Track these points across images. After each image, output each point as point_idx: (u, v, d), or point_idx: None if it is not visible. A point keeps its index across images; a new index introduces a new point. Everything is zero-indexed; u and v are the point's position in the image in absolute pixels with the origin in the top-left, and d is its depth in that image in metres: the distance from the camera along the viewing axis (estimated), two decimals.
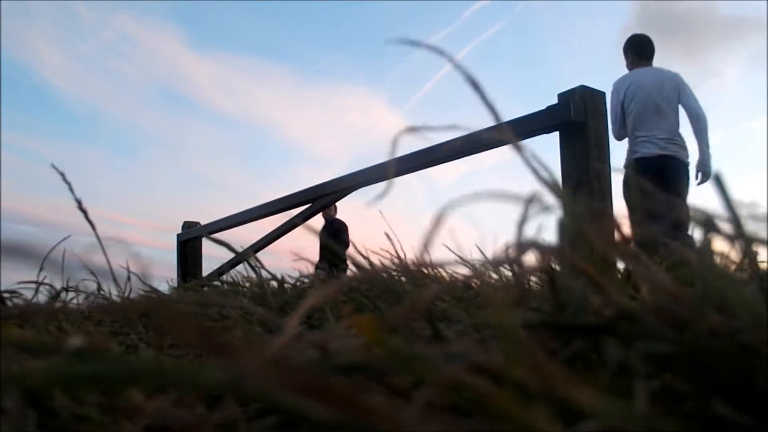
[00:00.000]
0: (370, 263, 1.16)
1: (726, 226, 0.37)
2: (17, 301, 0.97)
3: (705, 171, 3.34)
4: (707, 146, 3.31)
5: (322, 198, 2.98)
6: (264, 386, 0.20)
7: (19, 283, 1.00)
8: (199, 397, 0.37)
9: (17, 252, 0.27)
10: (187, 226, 4.05)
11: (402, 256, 1.19)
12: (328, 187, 2.90)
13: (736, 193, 0.36)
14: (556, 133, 1.99)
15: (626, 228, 0.42)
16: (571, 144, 1.93)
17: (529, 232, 0.48)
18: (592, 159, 1.86)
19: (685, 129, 3.39)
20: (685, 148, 3.36)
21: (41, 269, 0.90)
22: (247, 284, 1.36)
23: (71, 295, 1.10)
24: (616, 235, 0.41)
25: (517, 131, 2.08)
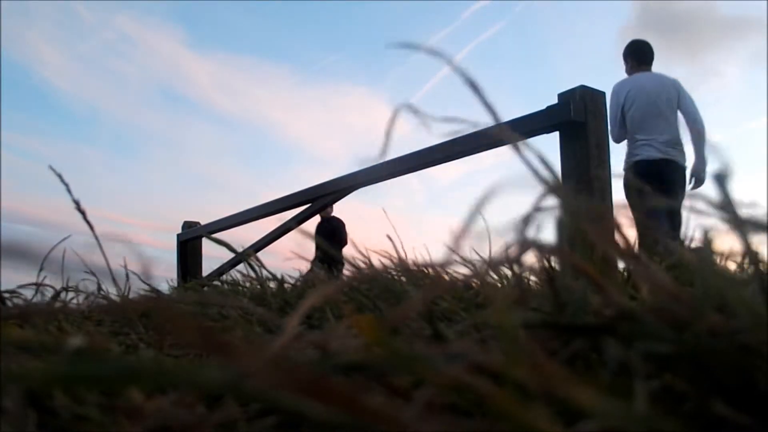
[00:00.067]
0: (370, 263, 1.16)
1: (726, 227, 0.37)
2: (17, 301, 0.97)
3: (700, 177, 3.39)
4: (704, 152, 3.35)
5: (322, 198, 2.98)
6: (264, 386, 0.20)
7: (20, 287, 1.00)
8: (199, 397, 0.37)
9: (17, 252, 0.27)
10: (187, 226, 4.05)
11: (402, 256, 1.19)
12: (328, 187, 2.90)
13: (736, 193, 0.36)
14: (556, 133, 1.99)
15: (628, 228, 0.42)
16: (571, 144, 1.93)
17: (529, 231, 0.48)
18: (592, 159, 1.86)
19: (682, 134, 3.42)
20: (683, 153, 3.41)
21: (41, 269, 0.90)
22: (247, 284, 1.36)
23: (71, 295, 1.10)
24: (617, 235, 0.41)
25: (517, 131, 2.08)
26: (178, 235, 4.01)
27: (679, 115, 3.43)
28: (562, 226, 0.41)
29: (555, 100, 1.98)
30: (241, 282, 1.44)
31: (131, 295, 1.17)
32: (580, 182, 1.86)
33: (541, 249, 0.39)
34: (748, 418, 0.26)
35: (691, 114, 3.37)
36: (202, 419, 0.35)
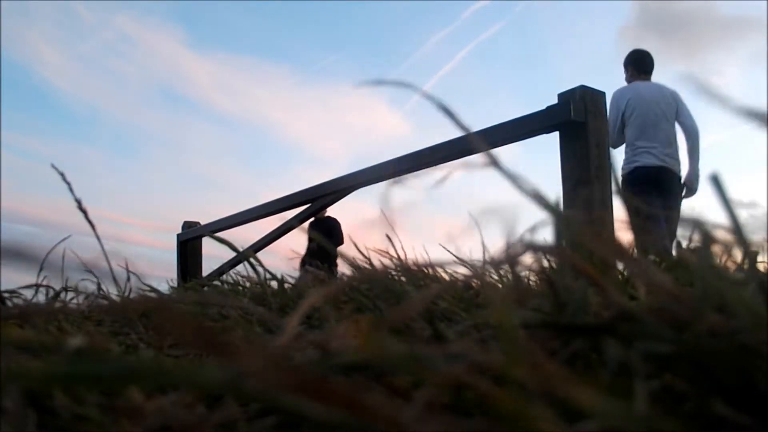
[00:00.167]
0: (370, 263, 1.16)
1: (725, 227, 0.37)
2: (17, 302, 0.97)
3: (692, 186, 3.50)
4: (698, 163, 3.48)
5: (322, 198, 2.98)
6: (264, 386, 0.20)
7: (21, 287, 1.00)
8: (199, 397, 0.37)
9: (17, 252, 0.27)
10: (187, 226, 4.05)
11: (402, 256, 1.19)
12: (328, 187, 2.90)
13: (736, 193, 0.36)
14: (556, 133, 1.99)
15: (626, 230, 0.42)
16: (571, 144, 1.93)
17: (529, 231, 0.48)
18: (592, 159, 1.85)
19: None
20: (679, 162, 3.51)
21: (41, 269, 0.90)
22: (247, 284, 1.36)
23: (71, 295, 1.10)
24: (617, 235, 0.41)
25: (517, 131, 2.09)
26: (178, 235, 4.01)
27: (676, 125, 3.54)
28: (560, 227, 0.41)
29: (555, 100, 1.98)
30: (241, 282, 1.44)
31: (131, 296, 1.17)
32: (580, 182, 1.86)
33: (541, 249, 0.39)
34: (748, 418, 0.26)
35: (689, 125, 3.48)
36: (202, 419, 0.35)
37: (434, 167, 2.41)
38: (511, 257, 0.42)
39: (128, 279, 1.15)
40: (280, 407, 0.21)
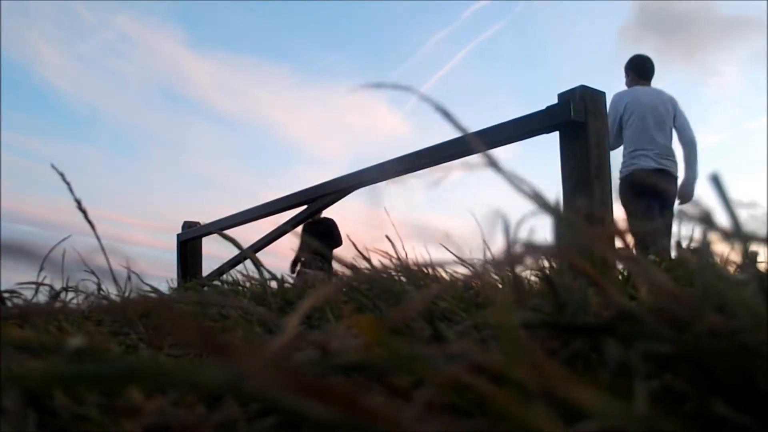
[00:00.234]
0: (370, 263, 1.16)
1: (725, 226, 0.37)
2: (17, 301, 0.97)
3: (688, 192, 3.54)
4: (694, 170, 3.55)
5: (322, 198, 2.98)
6: (264, 386, 0.20)
7: (19, 284, 1.00)
8: (199, 397, 0.37)
9: (17, 252, 0.27)
10: (187, 226, 4.05)
11: (402, 256, 1.19)
12: (328, 187, 2.90)
13: (736, 193, 0.36)
14: (556, 133, 1.99)
15: (625, 231, 0.42)
16: (571, 144, 1.93)
17: (529, 231, 0.48)
18: (592, 159, 1.85)
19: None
20: (676, 164, 3.58)
21: (41, 269, 0.90)
22: (248, 284, 1.36)
23: (71, 295, 1.10)
24: (616, 236, 0.41)
25: (517, 131, 2.09)
26: (178, 235, 4.01)
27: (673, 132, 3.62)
28: (560, 227, 0.41)
29: (555, 100, 1.98)
30: (241, 282, 1.44)
31: (131, 296, 1.17)
32: (580, 182, 1.86)
33: (542, 249, 0.39)
34: (748, 418, 0.26)
35: (686, 131, 3.57)
36: (202, 419, 0.35)
37: (434, 167, 2.41)
38: (511, 257, 0.42)
39: (129, 279, 1.15)
40: (280, 407, 0.21)
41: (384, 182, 2.57)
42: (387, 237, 1.25)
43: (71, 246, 1.03)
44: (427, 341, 0.45)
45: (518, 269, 0.49)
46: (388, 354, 0.26)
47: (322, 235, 5.14)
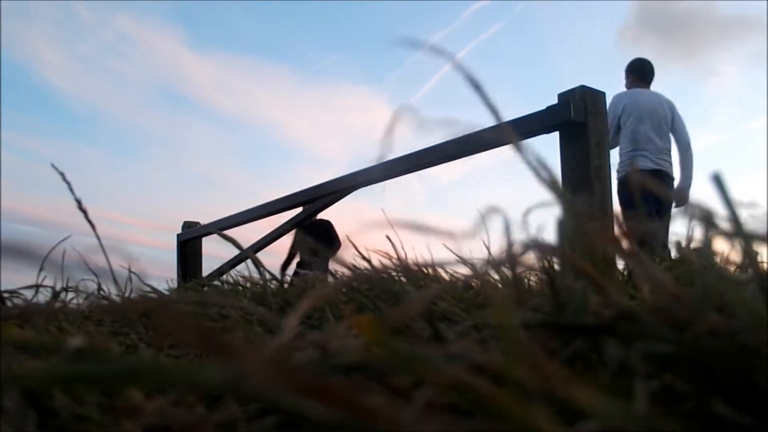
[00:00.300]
0: (371, 263, 1.16)
1: (726, 226, 0.37)
2: (17, 301, 0.97)
3: (684, 195, 3.61)
4: (690, 173, 3.63)
5: (322, 198, 2.98)
6: (264, 386, 0.20)
7: (21, 288, 1.00)
8: (199, 397, 0.37)
9: (17, 252, 0.27)
10: (187, 226, 4.05)
11: (402, 256, 1.19)
12: (328, 187, 2.90)
13: (736, 193, 0.36)
14: (556, 133, 1.99)
15: (625, 227, 0.42)
16: (571, 144, 1.93)
17: (530, 231, 0.48)
18: (592, 159, 1.86)
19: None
20: (672, 165, 3.66)
21: (41, 269, 0.90)
22: (248, 284, 1.36)
23: (71, 295, 1.10)
24: (617, 233, 0.41)
25: (517, 131, 2.08)
26: (178, 235, 4.02)
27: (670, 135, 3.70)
28: (562, 227, 0.41)
29: (555, 100, 1.98)
30: (241, 282, 1.44)
31: (131, 296, 1.17)
32: (580, 182, 1.86)
33: (542, 249, 0.39)
34: (748, 418, 0.26)
35: (683, 135, 3.65)
36: (202, 419, 0.35)
37: (434, 167, 2.41)
38: (511, 257, 0.42)
39: (129, 279, 1.15)
40: (280, 407, 0.21)
41: (384, 182, 2.57)
42: (387, 237, 1.25)
43: (71, 246, 1.03)
44: (427, 341, 0.45)
45: (518, 269, 0.49)
46: (388, 354, 0.26)
47: (320, 237, 5.14)
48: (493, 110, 0.47)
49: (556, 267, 0.48)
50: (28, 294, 1.00)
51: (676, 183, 3.65)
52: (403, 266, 0.96)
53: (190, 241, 3.97)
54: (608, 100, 2.33)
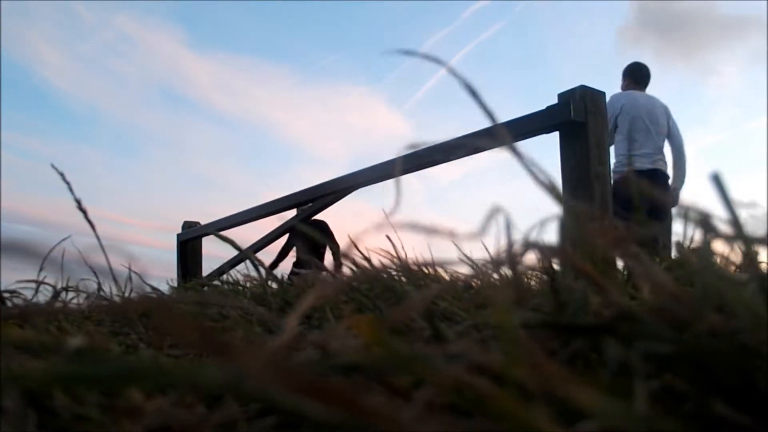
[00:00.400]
0: (370, 263, 1.16)
1: (725, 226, 0.37)
2: (17, 301, 0.97)
3: (675, 198, 3.70)
4: (683, 176, 3.76)
5: (321, 198, 2.98)
6: (264, 386, 0.20)
7: (19, 281, 1.00)
8: (199, 397, 0.37)
9: (17, 252, 0.27)
10: (187, 226, 4.05)
11: (402, 255, 1.19)
12: (328, 187, 2.90)
13: (736, 193, 0.36)
14: (556, 133, 1.99)
15: (624, 227, 0.42)
16: (571, 144, 1.93)
17: (530, 231, 0.48)
18: (593, 159, 1.86)
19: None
20: (667, 165, 3.76)
21: (41, 269, 0.90)
22: (248, 284, 1.36)
23: (71, 295, 1.10)
24: (617, 234, 0.41)
25: (517, 131, 2.09)
26: (178, 235, 4.01)
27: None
28: (563, 227, 0.41)
29: (555, 100, 1.98)
30: (241, 282, 1.44)
31: (131, 295, 1.17)
32: (580, 182, 1.86)
33: (542, 249, 0.39)
34: (748, 418, 0.26)
35: (677, 139, 3.77)
36: (202, 419, 0.35)
37: (434, 167, 2.41)
38: (511, 257, 0.42)
39: (129, 279, 1.15)
40: (280, 407, 0.21)
41: (385, 182, 2.57)
42: (387, 237, 1.25)
43: (71, 246, 1.03)
44: (427, 341, 0.45)
45: (519, 269, 0.48)
46: (388, 354, 0.26)
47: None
48: (490, 114, 0.47)
49: (556, 267, 0.48)
50: (28, 294, 1.00)
51: (669, 182, 3.75)
52: (403, 266, 0.96)
53: (190, 241, 3.96)
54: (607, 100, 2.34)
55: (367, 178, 2.64)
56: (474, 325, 0.49)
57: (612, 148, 3.75)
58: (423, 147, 2.29)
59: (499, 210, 0.45)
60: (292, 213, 3.64)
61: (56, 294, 1.01)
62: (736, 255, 0.43)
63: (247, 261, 1.27)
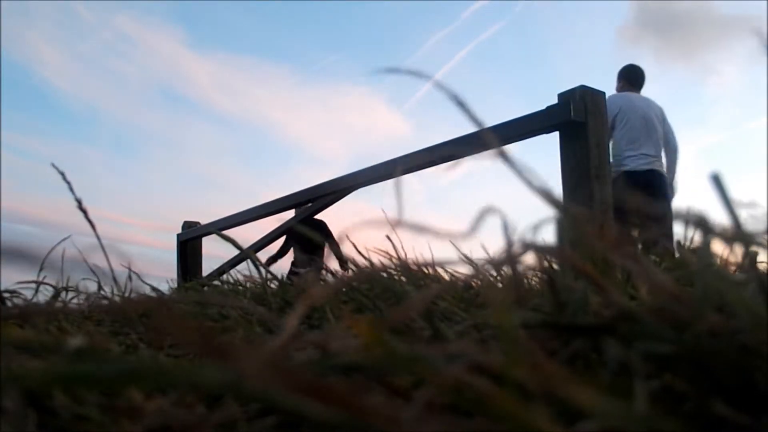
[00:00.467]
0: (371, 263, 1.16)
1: (725, 227, 0.37)
2: (17, 301, 0.97)
3: (673, 190, 3.83)
4: (674, 176, 3.85)
5: (322, 198, 2.98)
6: (264, 386, 0.20)
7: (19, 282, 1.00)
8: (199, 397, 0.37)
9: (17, 252, 0.27)
10: (187, 226, 4.05)
11: (402, 255, 1.19)
12: (328, 187, 2.90)
13: (736, 193, 0.36)
14: (556, 133, 1.98)
15: (624, 229, 0.42)
16: (571, 144, 1.93)
17: (530, 231, 0.48)
18: (593, 159, 1.85)
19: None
20: (662, 164, 3.83)
21: (41, 269, 0.90)
22: (248, 284, 1.36)
23: (71, 295, 1.10)
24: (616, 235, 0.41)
25: (516, 131, 2.09)
26: (178, 235, 4.01)
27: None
28: (561, 227, 0.41)
29: (555, 100, 1.98)
30: (241, 282, 1.44)
31: (131, 295, 1.17)
32: (580, 182, 1.86)
33: (542, 249, 0.39)
34: (748, 418, 0.26)
35: (673, 142, 3.86)
36: (202, 419, 0.35)
37: (434, 167, 2.41)
38: (511, 257, 0.42)
39: (129, 279, 1.15)
40: (280, 407, 0.21)
41: (385, 182, 2.57)
42: (387, 237, 1.25)
43: (71, 246, 1.03)
44: (427, 341, 0.45)
45: (519, 269, 0.48)
46: (389, 354, 0.26)
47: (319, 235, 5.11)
48: (477, 123, 0.47)
49: (556, 267, 0.48)
50: (28, 294, 1.00)
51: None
52: (403, 266, 0.96)
53: (190, 241, 3.96)
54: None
55: (367, 178, 2.64)
56: (474, 325, 0.49)
57: (609, 150, 3.80)
58: (419, 150, 2.29)
59: (490, 210, 0.45)
60: (292, 213, 3.64)
61: (56, 294, 1.01)
62: (735, 255, 0.43)
63: (247, 261, 1.27)
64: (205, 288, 1.78)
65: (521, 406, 0.22)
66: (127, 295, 1.16)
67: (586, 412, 0.23)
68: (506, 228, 0.46)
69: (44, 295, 1.04)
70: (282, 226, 3.35)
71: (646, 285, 0.40)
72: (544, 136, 2.02)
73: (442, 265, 1.02)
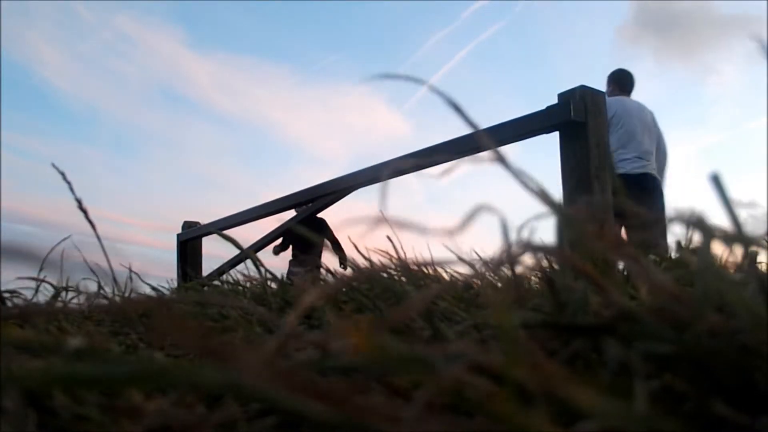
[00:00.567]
0: (371, 263, 1.16)
1: (725, 227, 0.37)
2: (17, 301, 0.97)
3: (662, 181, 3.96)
4: (664, 180, 3.96)
5: (322, 198, 2.98)
6: (263, 386, 0.20)
7: (19, 278, 1.00)
8: (199, 397, 0.37)
9: (17, 252, 0.27)
10: (187, 226, 4.05)
11: (402, 255, 1.19)
12: (328, 187, 2.90)
13: (736, 193, 0.36)
14: (556, 133, 1.99)
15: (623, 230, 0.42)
16: (571, 144, 1.93)
17: (530, 231, 0.48)
18: (593, 159, 1.85)
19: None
20: (655, 167, 3.92)
21: (41, 269, 0.90)
22: (248, 284, 1.36)
23: (71, 295, 1.10)
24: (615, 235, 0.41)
25: (517, 131, 2.09)
26: (178, 235, 4.01)
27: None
28: (560, 228, 0.41)
29: (555, 100, 1.98)
30: (241, 282, 1.44)
31: (131, 295, 1.17)
32: (580, 182, 1.86)
33: (542, 249, 0.39)
34: (748, 418, 0.26)
35: (662, 145, 3.97)
36: (202, 419, 0.35)
37: (434, 167, 2.41)
38: (511, 257, 0.42)
39: (129, 279, 1.15)
40: (280, 407, 0.21)
41: (385, 182, 2.57)
42: (387, 237, 1.25)
43: (71, 246, 1.03)
44: (427, 341, 0.45)
45: (519, 269, 0.49)
46: (388, 354, 0.26)
47: (318, 233, 5.12)
48: (474, 126, 0.47)
49: (556, 267, 0.48)
50: (28, 294, 1.00)
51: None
52: (403, 266, 0.96)
53: (190, 241, 3.96)
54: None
55: (367, 178, 2.64)
56: (474, 325, 0.49)
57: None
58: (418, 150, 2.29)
59: (484, 207, 0.45)
60: (292, 213, 3.64)
61: (56, 294, 1.01)
62: (735, 255, 0.43)
63: (247, 261, 1.27)
64: (205, 288, 1.78)
65: (521, 407, 0.22)
66: (127, 295, 1.16)
67: (586, 412, 0.23)
68: (505, 228, 0.46)
69: (44, 295, 1.05)
70: (282, 226, 3.35)
71: (646, 285, 0.40)
72: (544, 136, 2.02)
73: (442, 265, 1.02)
